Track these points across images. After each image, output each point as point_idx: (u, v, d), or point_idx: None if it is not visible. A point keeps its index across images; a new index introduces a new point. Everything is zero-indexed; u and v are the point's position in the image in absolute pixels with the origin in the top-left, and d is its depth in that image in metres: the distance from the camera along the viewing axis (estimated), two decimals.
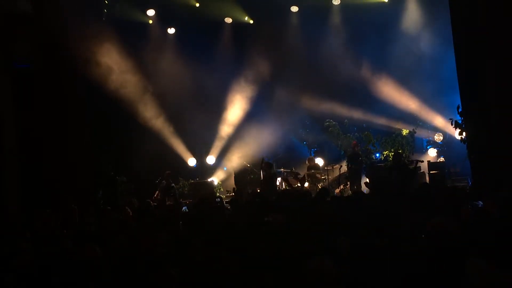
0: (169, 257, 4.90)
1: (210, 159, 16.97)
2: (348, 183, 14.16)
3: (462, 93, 10.29)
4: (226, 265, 4.27)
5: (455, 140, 12.81)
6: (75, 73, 12.39)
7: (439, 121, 15.29)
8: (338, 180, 14.48)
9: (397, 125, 15.71)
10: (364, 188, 13.28)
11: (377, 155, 15.48)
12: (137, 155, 14.88)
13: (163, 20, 16.64)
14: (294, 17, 16.87)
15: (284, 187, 14.70)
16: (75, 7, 11.89)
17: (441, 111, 15.00)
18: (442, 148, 15.43)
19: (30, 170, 11.57)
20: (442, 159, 15.02)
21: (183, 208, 10.79)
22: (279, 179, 14.87)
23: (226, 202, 10.42)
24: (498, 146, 9.28)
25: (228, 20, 17.12)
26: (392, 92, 15.81)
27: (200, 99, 16.20)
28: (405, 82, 15.65)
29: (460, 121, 10.40)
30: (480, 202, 5.86)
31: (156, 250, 5.19)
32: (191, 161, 16.84)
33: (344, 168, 14.76)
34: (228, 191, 15.55)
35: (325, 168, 15.43)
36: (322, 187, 13.15)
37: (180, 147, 16.52)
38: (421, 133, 15.64)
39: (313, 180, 14.77)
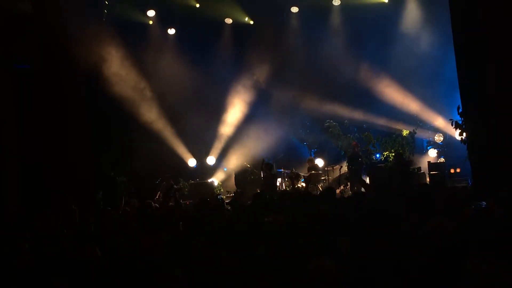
0: (169, 257, 4.89)
1: (210, 160, 16.96)
2: (348, 183, 14.15)
3: (462, 94, 10.28)
4: (226, 265, 4.26)
5: (456, 140, 12.79)
6: (75, 73, 12.38)
7: (439, 121, 15.29)
8: (338, 181, 14.48)
9: (397, 126, 15.70)
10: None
11: (377, 155, 15.48)
12: (137, 156, 14.88)
13: (163, 20, 16.64)
14: (294, 18, 16.86)
15: (284, 187, 14.69)
16: (75, 7, 11.88)
17: (441, 111, 15.01)
18: (442, 148, 15.42)
19: (30, 170, 11.57)
20: (442, 159, 15.01)
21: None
22: (279, 179, 14.86)
23: (227, 203, 10.40)
24: (498, 147, 9.29)
25: (228, 20, 17.12)
26: (392, 93, 15.80)
27: (200, 99, 16.20)
28: (405, 82, 15.64)
29: (460, 122, 10.40)
30: (484, 203, 5.86)
31: (156, 251, 5.19)
32: (191, 162, 16.82)
33: (344, 168, 14.76)
34: (228, 192, 15.54)
35: (325, 168, 15.43)
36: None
37: (180, 148, 16.51)
38: (422, 134, 15.63)
39: (314, 180, 14.75)
